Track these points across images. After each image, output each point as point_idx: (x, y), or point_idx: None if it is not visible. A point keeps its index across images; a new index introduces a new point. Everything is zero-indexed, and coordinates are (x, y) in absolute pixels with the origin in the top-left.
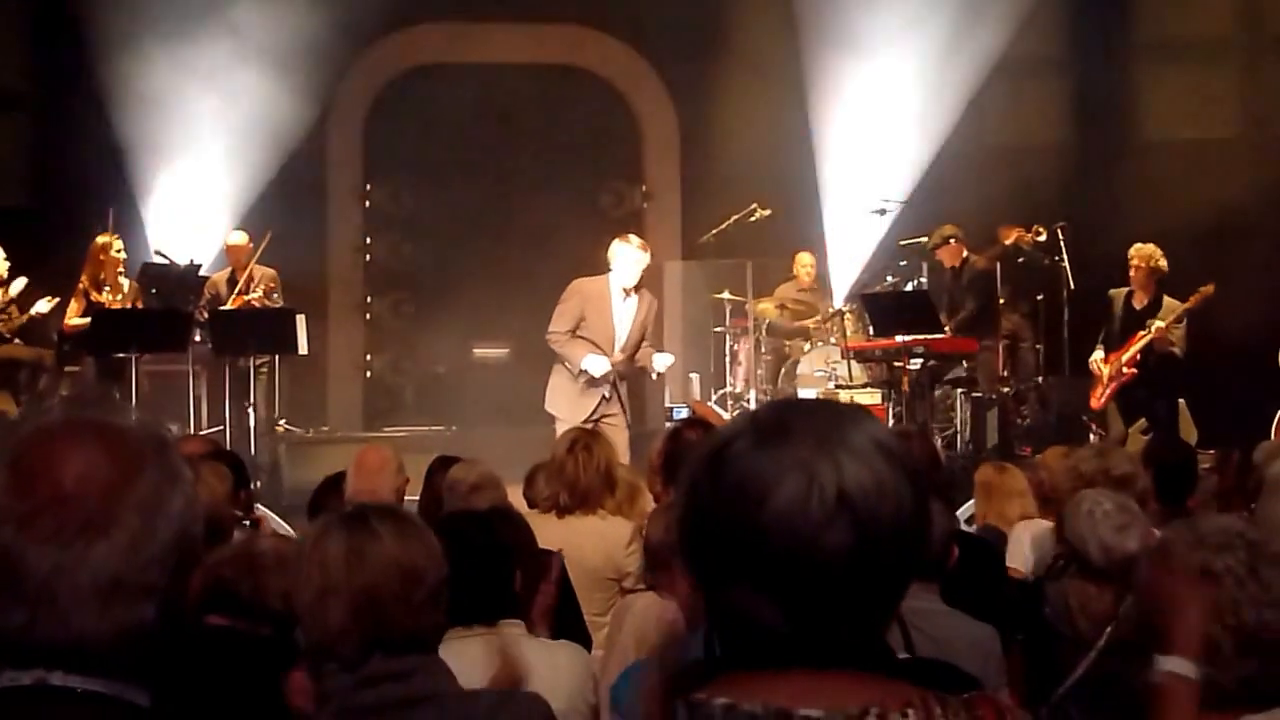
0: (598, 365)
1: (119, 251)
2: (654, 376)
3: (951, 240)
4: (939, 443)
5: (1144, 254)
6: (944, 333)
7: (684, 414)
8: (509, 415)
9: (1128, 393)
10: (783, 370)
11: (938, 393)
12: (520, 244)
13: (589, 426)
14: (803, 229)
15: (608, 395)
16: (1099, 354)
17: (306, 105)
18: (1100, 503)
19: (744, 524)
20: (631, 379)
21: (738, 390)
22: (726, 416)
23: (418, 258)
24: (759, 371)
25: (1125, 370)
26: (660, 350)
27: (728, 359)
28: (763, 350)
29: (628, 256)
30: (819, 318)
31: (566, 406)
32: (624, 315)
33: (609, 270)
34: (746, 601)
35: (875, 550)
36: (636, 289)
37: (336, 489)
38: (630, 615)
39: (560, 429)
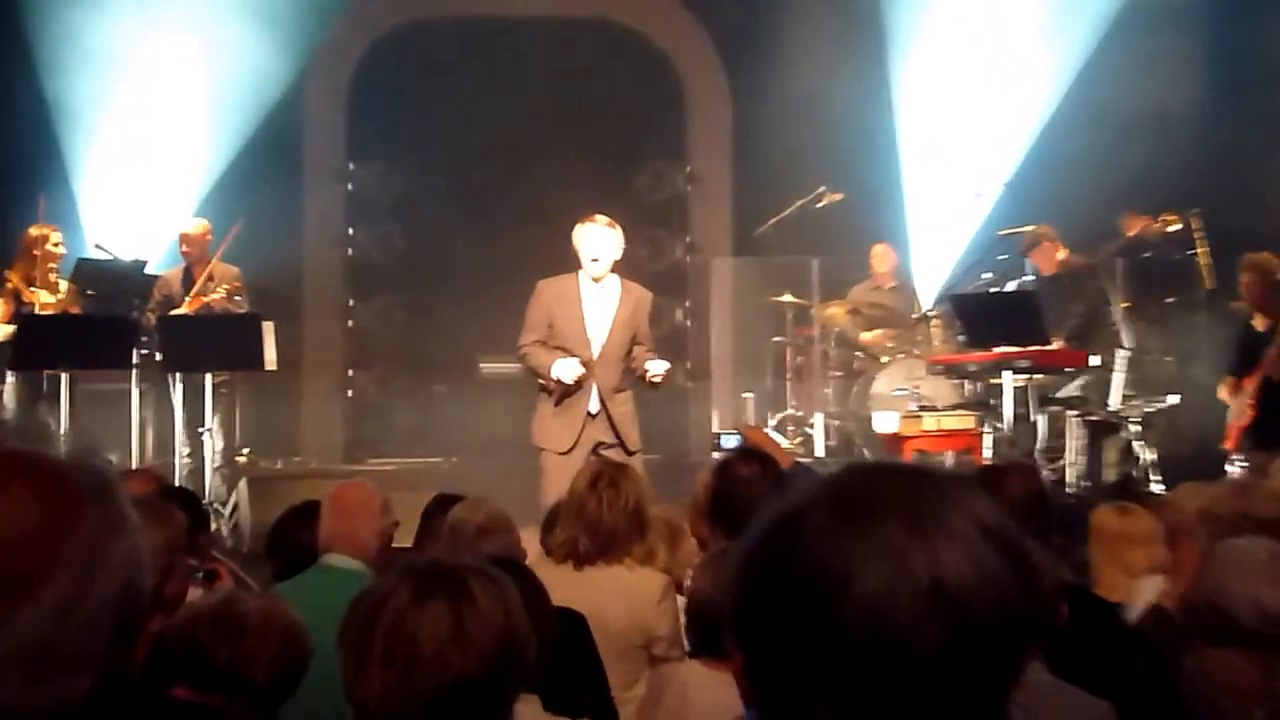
0: (567, 369)
1: (57, 245)
2: (650, 380)
3: (1044, 243)
4: (1046, 477)
5: (1257, 264)
6: (1052, 343)
7: (735, 443)
8: (523, 445)
9: (1258, 432)
10: (855, 389)
11: (1045, 416)
12: (538, 237)
13: (612, 457)
14: (881, 218)
15: (592, 412)
16: (1227, 384)
17: (278, 67)
18: (1252, 552)
19: (817, 616)
20: (634, 394)
21: (800, 414)
22: (786, 445)
23: (412, 253)
24: (826, 391)
25: (1248, 408)
26: (656, 358)
27: (789, 376)
28: (831, 365)
29: (587, 238)
30: (900, 325)
31: (546, 434)
32: (598, 312)
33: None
34: (814, 710)
35: (976, 651)
36: (623, 285)
37: (303, 524)
38: (670, 692)
39: (549, 465)
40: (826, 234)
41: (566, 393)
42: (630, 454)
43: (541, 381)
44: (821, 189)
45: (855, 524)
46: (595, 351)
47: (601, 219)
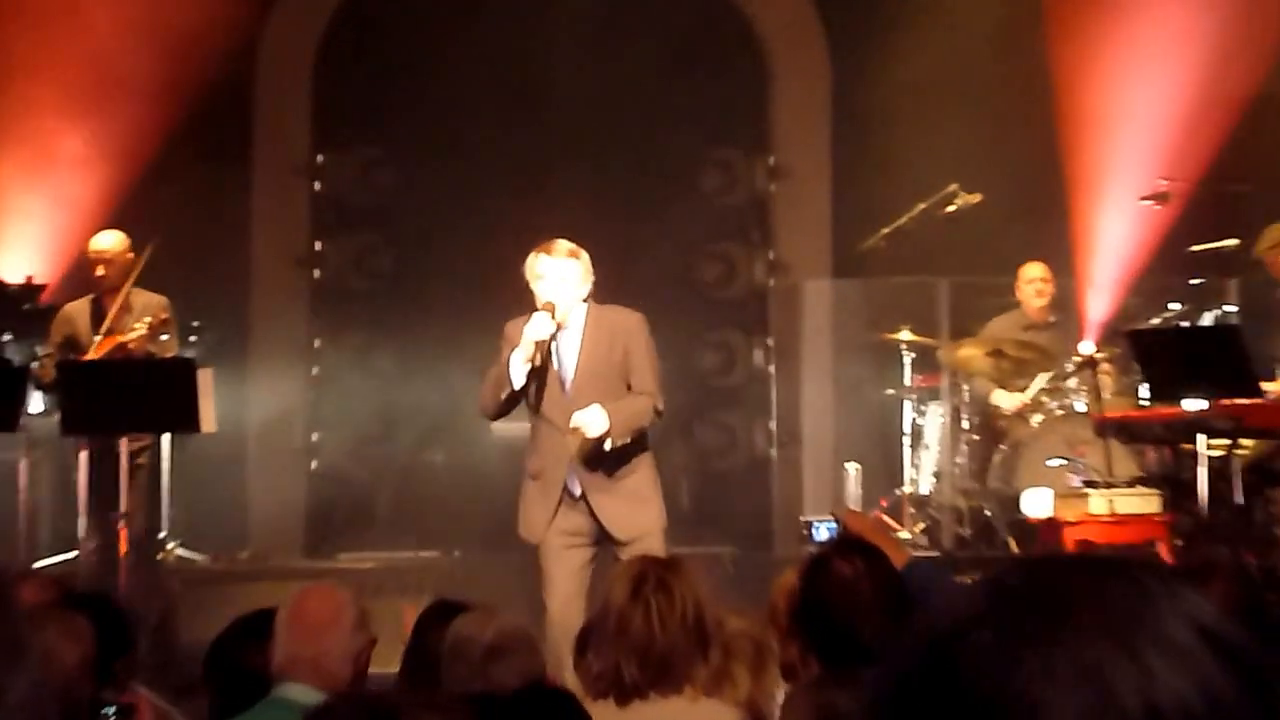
0: (534, 328)
1: None
2: (608, 444)
3: None
4: (1259, 579)
5: None
6: (1266, 393)
7: (832, 532)
8: None
9: None
10: (997, 458)
11: (1260, 498)
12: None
13: (657, 553)
14: (1033, 229)
15: (574, 493)
16: None
17: (222, 31)
18: None
19: None
20: (658, 459)
21: (924, 491)
22: (904, 535)
23: (399, 275)
24: (958, 461)
25: None
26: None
27: (907, 439)
28: (966, 425)
29: (535, 267)
30: (1058, 372)
31: (524, 516)
32: (565, 347)
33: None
34: None
35: None
36: (591, 312)
37: (252, 642)
38: None
39: (543, 562)
40: (959, 249)
41: (540, 434)
42: (619, 543)
43: (503, 395)
44: (952, 188)
45: (1037, 638)
46: (566, 391)
47: (561, 247)
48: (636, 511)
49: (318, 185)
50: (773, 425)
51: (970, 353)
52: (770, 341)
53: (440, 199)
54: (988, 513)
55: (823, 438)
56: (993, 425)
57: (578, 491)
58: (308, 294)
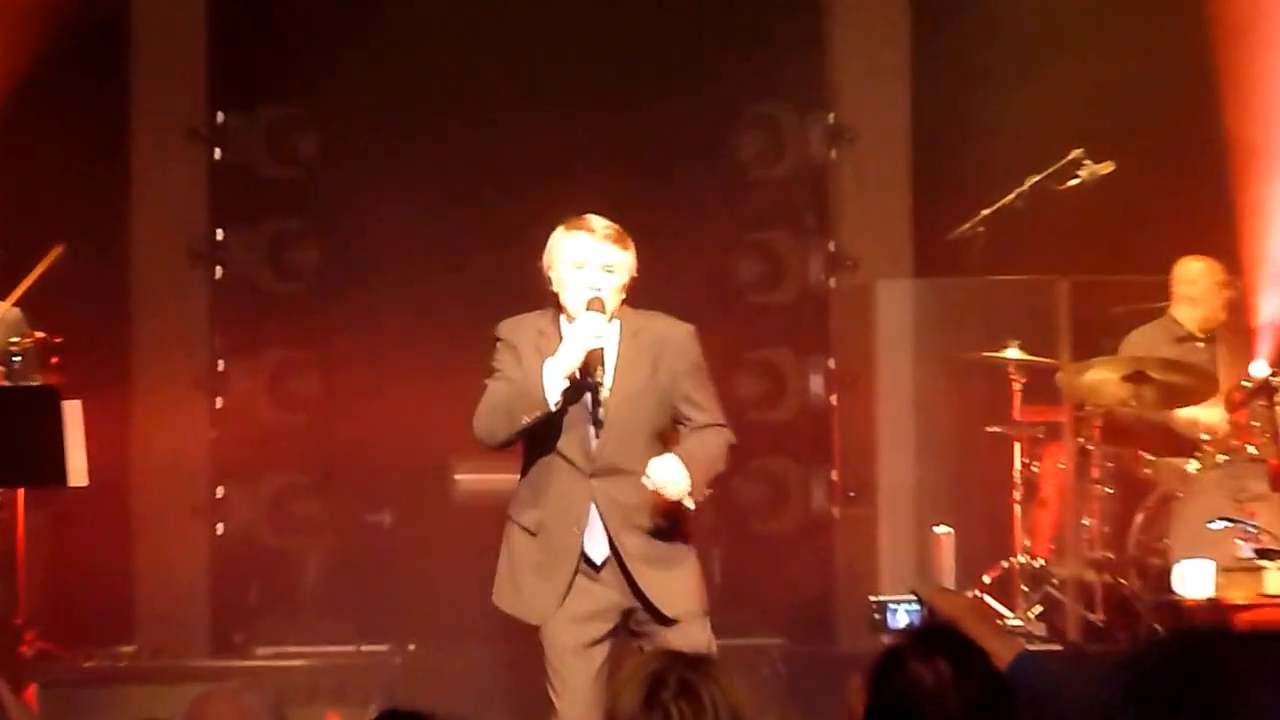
0: (584, 333)
1: None
2: (690, 504)
3: None
4: None
5: None
6: None
7: (911, 617)
8: None
9: None
10: (1139, 519)
11: None
12: None
13: (696, 643)
14: (1184, 211)
15: (594, 560)
16: None
17: None
18: None
19: None
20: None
21: (1039, 564)
22: (1013, 620)
23: (323, 270)
24: (1086, 523)
25: None
26: (705, 435)
27: (1018, 495)
28: (1096, 474)
29: (572, 251)
30: (1223, 400)
31: (513, 589)
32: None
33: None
34: None
35: None
36: (629, 318)
37: None
38: None
39: (546, 647)
40: (1084, 238)
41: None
42: (668, 622)
43: (526, 419)
44: (1075, 155)
45: None
46: (593, 437)
47: (605, 226)
48: (683, 582)
49: (218, 153)
50: (834, 475)
51: (1102, 376)
52: (831, 362)
53: (381, 173)
54: (1127, 592)
55: (902, 490)
56: (1133, 471)
57: (600, 558)
58: (207, 298)
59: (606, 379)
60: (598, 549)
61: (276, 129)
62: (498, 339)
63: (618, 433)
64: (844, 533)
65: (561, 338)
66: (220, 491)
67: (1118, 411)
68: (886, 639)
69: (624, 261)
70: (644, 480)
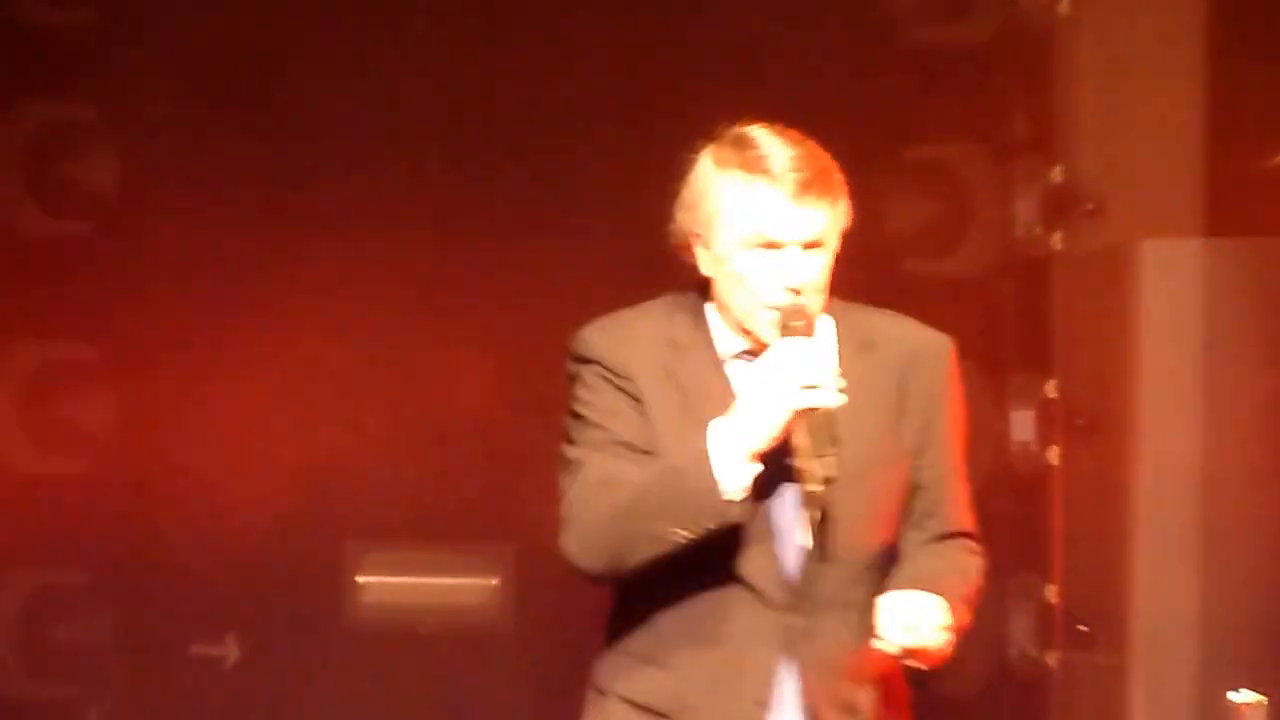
0: (798, 378)
1: None
2: (909, 659)
3: None
4: None
5: None
6: None
7: None
8: None
9: None
10: None
11: None
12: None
13: None
14: None
15: None
16: None
17: None
18: None
19: None
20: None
21: None
22: None
23: (128, 213)
24: None
25: None
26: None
27: None
28: None
29: (746, 216)
30: None
31: None
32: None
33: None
34: None
35: None
36: (848, 329)
37: None
38: None
39: None
40: None
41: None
42: None
43: (683, 533)
44: None
45: None
46: (789, 568)
47: (786, 158)
48: None
49: None
50: (1051, 592)
51: None
52: (1051, 388)
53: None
54: None
55: (1175, 625)
56: None
57: None
58: None
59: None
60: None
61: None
62: (584, 360)
63: (844, 539)
64: (1067, 692)
65: (720, 362)
66: None
67: None
68: None
69: (836, 225)
70: (879, 639)
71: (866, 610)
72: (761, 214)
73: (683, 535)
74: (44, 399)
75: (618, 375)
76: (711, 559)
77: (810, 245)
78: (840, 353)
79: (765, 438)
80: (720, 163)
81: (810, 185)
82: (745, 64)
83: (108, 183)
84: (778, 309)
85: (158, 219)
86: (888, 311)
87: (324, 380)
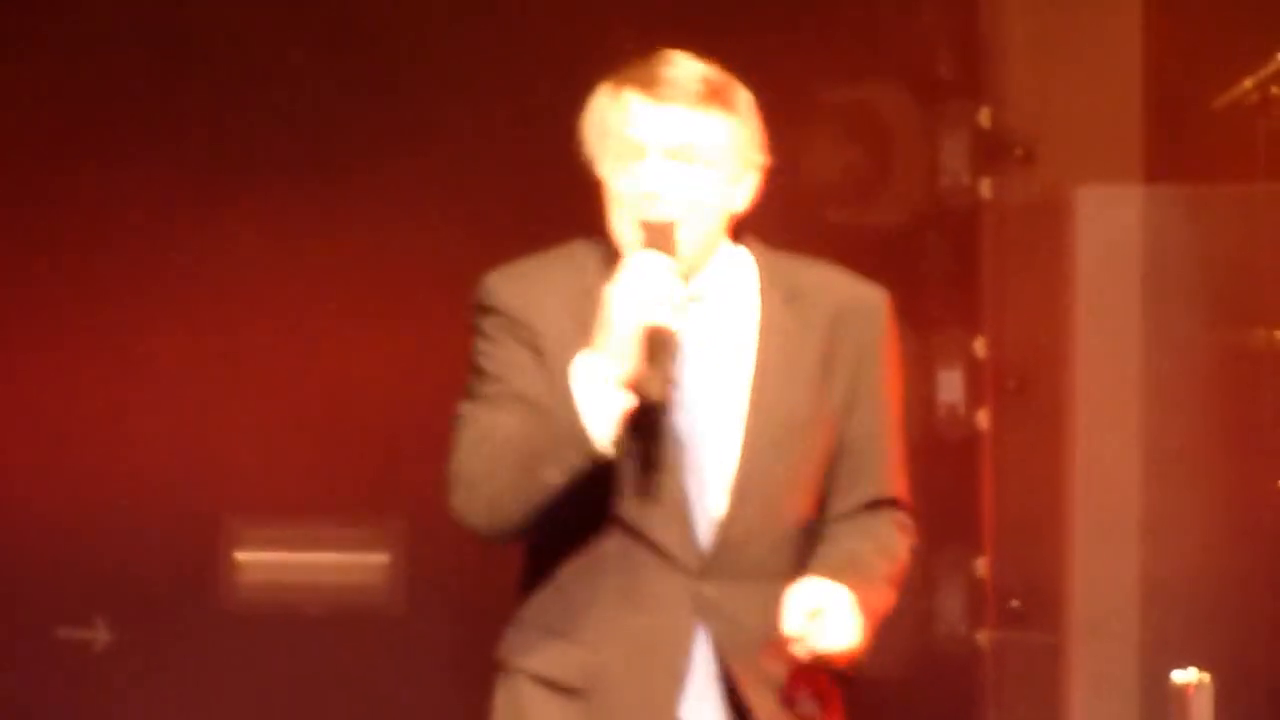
0: (645, 292)
1: None
2: (822, 661)
3: None
4: None
5: None
6: None
7: None
8: None
9: None
10: None
11: None
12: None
13: None
14: None
15: None
16: None
17: None
18: None
19: None
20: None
21: None
22: None
23: None
24: None
25: None
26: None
27: None
28: None
29: (615, 129)
30: None
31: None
32: (701, 381)
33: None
34: None
35: None
36: (772, 276)
37: None
38: None
39: None
40: None
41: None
42: None
43: (557, 477)
44: None
45: None
46: (702, 533)
47: (668, 69)
48: None
49: None
50: (981, 565)
51: None
52: (980, 345)
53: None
54: None
55: (1111, 598)
56: None
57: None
58: None
59: (705, 381)
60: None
61: None
62: (486, 309)
63: (760, 505)
64: (999, 673)
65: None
66: None
67: None
68: None
69: (722, 140)
70: (786, 631)
71: (789, 580)
72: (623, 118)
73: (554, 475)
74: None
75: (520, 325)
76: (622, 525)
77: (676, 152)
78: (763, 302)
79: (619, 361)
80: (610, 81)
81: (678, 87)
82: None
83: None
84: (635, 225)
85: (27, 191)
86: (819, 262)
87: (205, 356)
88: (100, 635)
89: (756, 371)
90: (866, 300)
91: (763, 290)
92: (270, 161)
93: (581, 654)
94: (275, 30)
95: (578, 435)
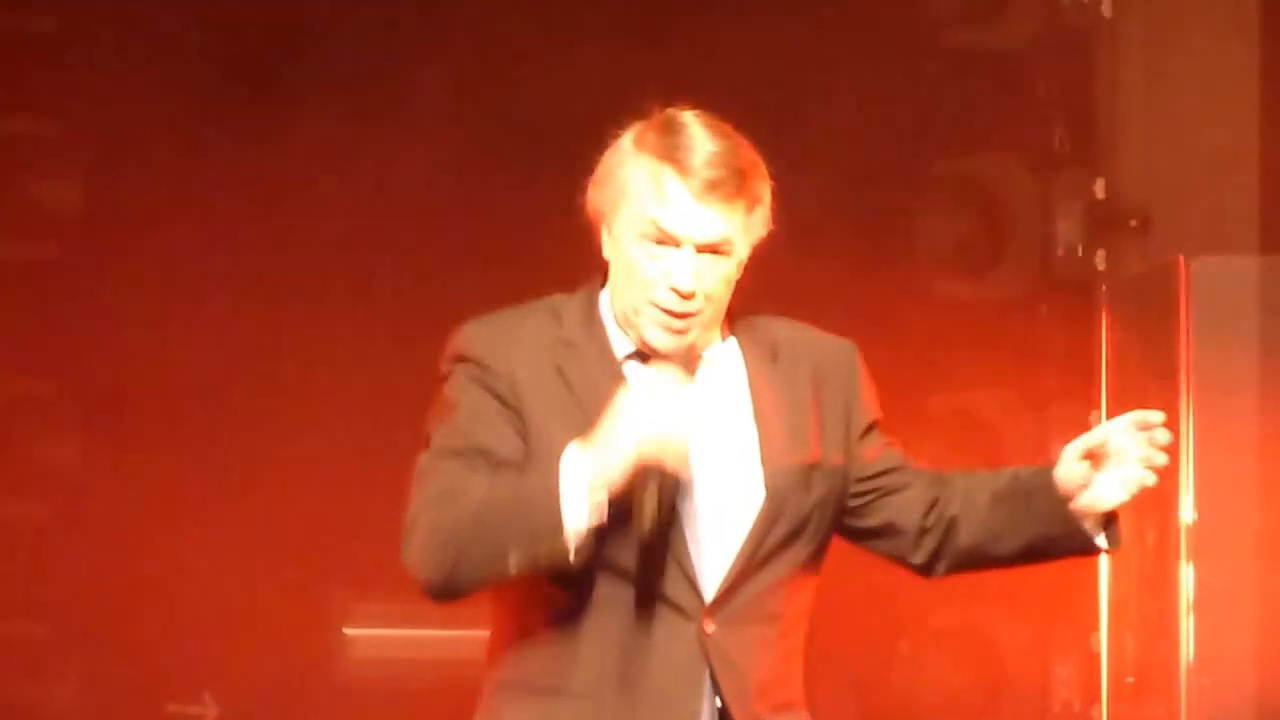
0: (654, 408)
1: None
2: None
3: None
4: None
5: None
6: None
7: None
8: None
9: None
10: None
11: None
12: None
13: None
14: None
15: None
16: None
17: None
18: None
19: None
20: None
21: None
22: None
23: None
24: None
25: None
26: None
27: None
28: None
29: (647, 208)
30: None
31: None
32: (705, 436)
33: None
34: None
35: None
36: (753, 335)
37: None
38: None
39: None
40: None
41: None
42: None
43: (519, 560)
44: None
45: None
46: (707, 582)
47: (704, 150)
48: None
49: None
50: (1097, 641)
51: None
52: (1098, 418)
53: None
54: None
55: (1233, 678)
56: None
57: None
58: None
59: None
60: None
61: None
62: (460, 358)
63: (767, 541)
64: None
65: (616, 363)
66: None
67: None
68: None
69: (743, 233)
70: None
71: (780, 624)
72: (661, 205)
73: (518, 563)
74: (5, 438)
75: (493, 375)
76: (616, 572)
77: (707, 249)
78: (749, 366)
79: (612, 474)
80: (638, 143)
81: (719, 186)
82: (773, 70)
83: (73, 202)
84: (660, 308)
85: (126, 241)
86: (787, 319)
87: (314, 422)
88: (209, 711)
89: (760, 428)
90: (840, 353)
91: (746, 353)
92: (375, 215)
93: (583, 707)
94: None
95: (553, 534)
